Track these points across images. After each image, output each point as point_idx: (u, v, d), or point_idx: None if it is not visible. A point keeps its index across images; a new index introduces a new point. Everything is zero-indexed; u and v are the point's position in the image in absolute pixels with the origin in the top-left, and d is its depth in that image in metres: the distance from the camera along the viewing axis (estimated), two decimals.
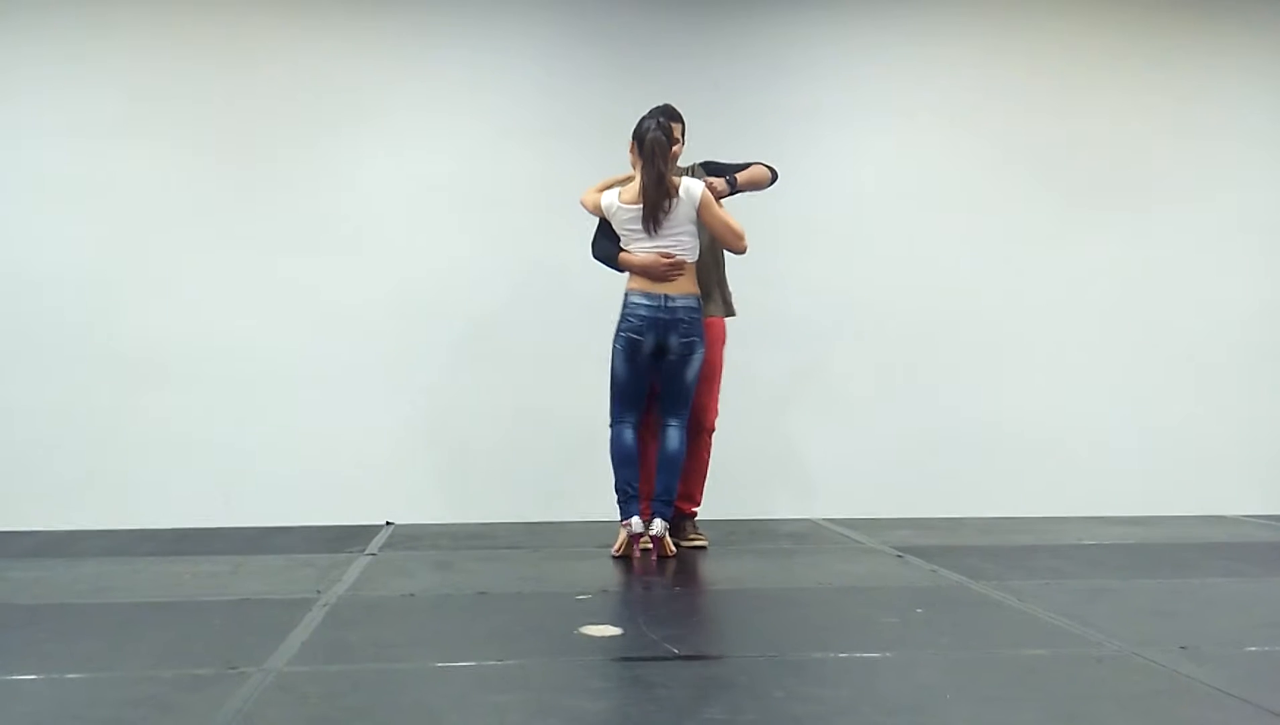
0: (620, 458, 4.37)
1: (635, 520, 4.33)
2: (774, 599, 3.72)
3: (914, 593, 3.76)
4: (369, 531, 5.11)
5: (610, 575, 4.08)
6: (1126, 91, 5.98)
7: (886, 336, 5.77)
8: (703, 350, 4.35)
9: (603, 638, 3.11)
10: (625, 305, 4.36)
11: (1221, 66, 6.05)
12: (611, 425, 4.42)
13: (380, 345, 5.47)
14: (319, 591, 3.73)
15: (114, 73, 5.40)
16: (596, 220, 4.52)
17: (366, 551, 4.57)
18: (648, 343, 4.29)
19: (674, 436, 4.36)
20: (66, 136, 5.35)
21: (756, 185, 4.61)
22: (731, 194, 4.52)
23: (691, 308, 4.32)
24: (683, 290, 4.32)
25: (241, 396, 5.38)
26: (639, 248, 4.33)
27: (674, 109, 4.51)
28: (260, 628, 3.21)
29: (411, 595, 3.70)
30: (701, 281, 4.49)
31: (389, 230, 5.51)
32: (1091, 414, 5.86)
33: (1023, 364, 5.85)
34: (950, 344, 5.81)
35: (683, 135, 4.52)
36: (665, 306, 4.28)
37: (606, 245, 4.45)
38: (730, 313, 4.67)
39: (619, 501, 4.38)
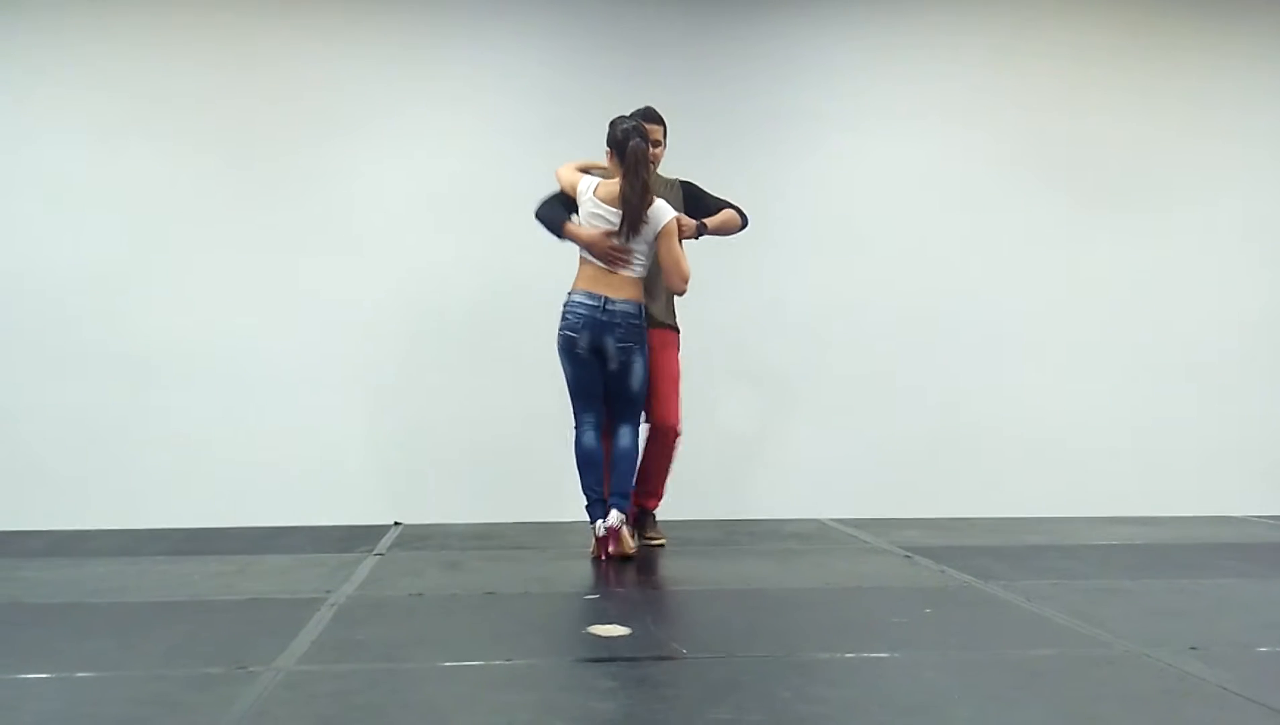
0: (583, 461, 4.31)
1: (600, 523, 4.26)
2: (781, 599, 3.72)
3: (922, 593, 3.76)
4: (377, 531, 5.11)
5: (617, 575, 4.08)
6: (1133, 92, 5.97)
7: (893, 336, 5.76)
8: (644, 358, 4.28)
9: (610, 637, 3.11)
10: (566, 305, 4.30)
11: (1228, 67, 6.03)
12: (574, 427, 4.37)
13: (388, 345, 5.48)
14: (328, 591, 3.74)
15: (118, 74, 5.42)
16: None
17: (375, 551, 4.58)
18: (583, 342, 4.22)
19: (625, 434, 4.31)
20: (71, 137, 5.38)
21: (726, 232, 4.56)
22: (697, 237, 4.46)
23: (630, 314, 4.23)
24: (626, 295, 4.24)
25: (250, 397, 5.39)
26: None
27: (654, 111, 4.46)
28: (269, 627, 3.22)
29: (420, 595, 3.70)
30: (656, 291, 4.41)
31: (395, 231, 5.52)
32: (1099, 414, 5.84)
33: (1031, 364, 5.84)
34: (957, 344, 5.80)
35: (665, 137, 4.47)
36: (604, 308, 4.21)
37: (557, 210, 4.33)
38: (677, 328, 4.56)
39: (585, 505, 4.32)
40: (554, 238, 4.33)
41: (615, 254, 4.21)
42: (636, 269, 4.27)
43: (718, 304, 5.32)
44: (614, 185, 4.24)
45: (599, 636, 3.12)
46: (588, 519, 4.32)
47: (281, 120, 5.49)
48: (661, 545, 4.57)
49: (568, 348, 4.26)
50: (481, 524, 5.32)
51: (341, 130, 5.52)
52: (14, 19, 5.36)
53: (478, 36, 5.63)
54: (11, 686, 2.68)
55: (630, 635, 3.13)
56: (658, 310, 4.46)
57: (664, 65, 5.60)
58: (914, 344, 5.77)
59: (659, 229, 4.22)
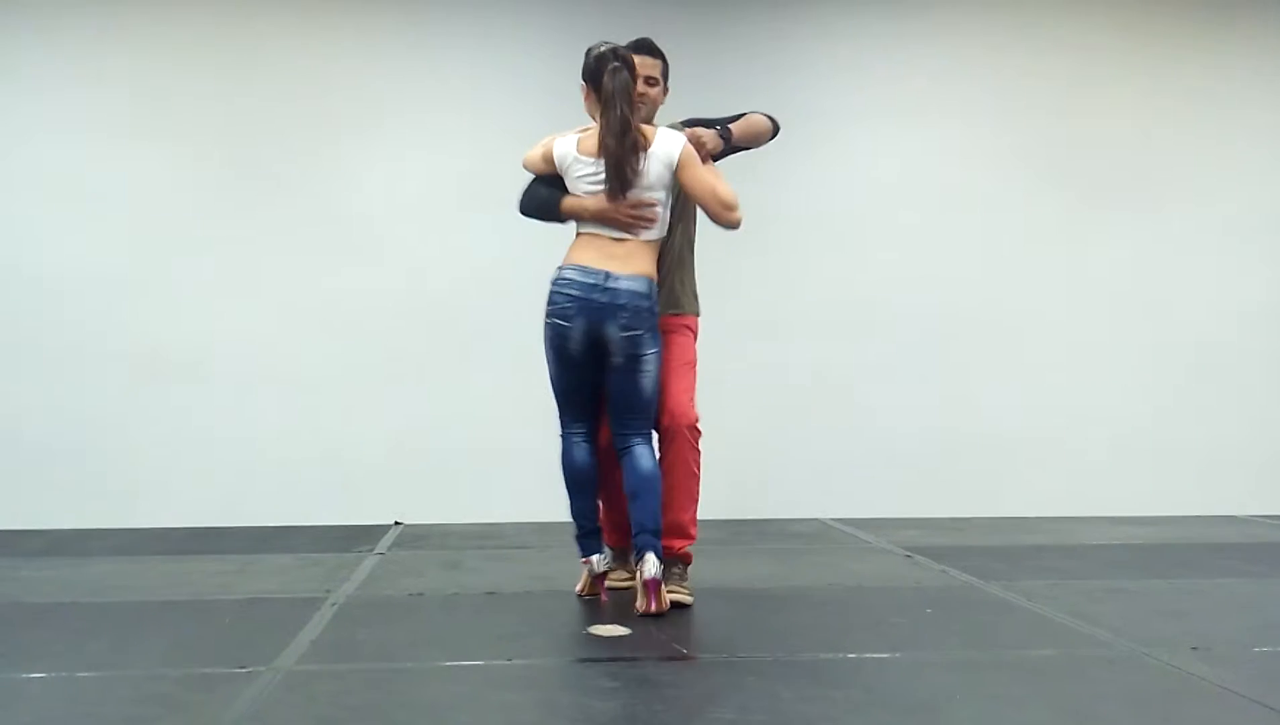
0: (572, 479, 3.51)
1: (596, 559, 3.49)
2: (782, 599, 3.72)
3: (923, 593, 3.76)
4: (377, 531, 5.11)
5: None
6: (1133, 91, 5.96)
7: (895, 335, 5.75)
8: (657, 349, 3.38)
9: (611, 637, 3.11)
10: (554, 284, 3.39)
11: (1231, 65, 6.02)
12: (561, 436, 3.58)
13: (388, 344, 5.48)
14: (328, 591, 3.74)
15: (121, 74, 5.41)
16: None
17: (375, 551, 4.58)
18: (577, 331, 3.32)
19: (642, 454, 3.41)
20: (73, 137, 5.37)
21: (756, 139, 3.70)
22: (726, 152, 3.62)
23: (638, 293, 3.31)
24: (631, 269, 3.32)
25: (250, 396, 5.39)
26: None
27: (650, 42, 3.63)
28: (269, 627, 3.22)
29: (420, 594, 3.70)
30: (675, 275, 3.61)
31: (396, 230, 5.51)
32: (1101, 414, 5.84)
33: (1033, 363, 5.83)
34: (959, 343, 5.79)
35: (664, 76, 3.63)
36: (603, 287, 3.29)
37: (544, 191, 3.48)
38: (698, 312, 3.73)
39: (576, 535, 3.53)
40: (554, 224, 3.54)
41: (636, 215, 3.34)
42: (656, 228, 3.41)
43: (717, 303, 5.28)
44: (597, 134, 3.38)
45: (600, 636, 3.12)
46: (578, 552, 3.55)
47: (282, 120, 5.49)
48: (688, 604, 3.47)
49: (557, 340, 3.37)
50: (481, 524, 5.32)
51: (342, 130, 5.51)
52: (14, 18, 5.36)
53: (479, 35, 5.62)
54: (11, 686, 2.68)
55: (631, 635, 3.13)
56: (685, 294, 3.66)
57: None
58: (917, 343, 5.76)
59: (674, 163, 3.35)
